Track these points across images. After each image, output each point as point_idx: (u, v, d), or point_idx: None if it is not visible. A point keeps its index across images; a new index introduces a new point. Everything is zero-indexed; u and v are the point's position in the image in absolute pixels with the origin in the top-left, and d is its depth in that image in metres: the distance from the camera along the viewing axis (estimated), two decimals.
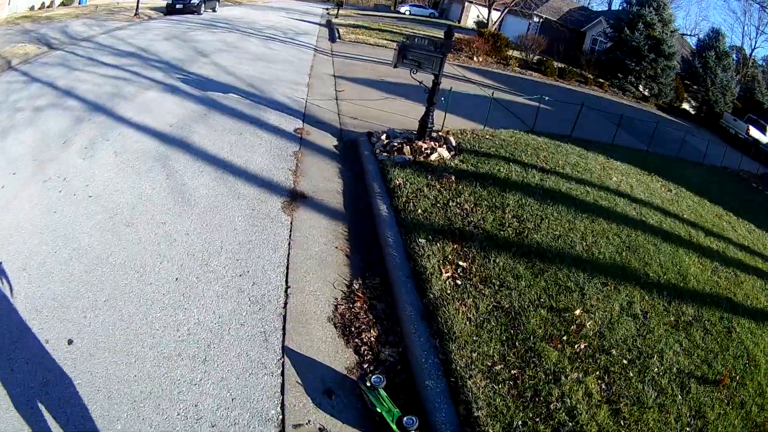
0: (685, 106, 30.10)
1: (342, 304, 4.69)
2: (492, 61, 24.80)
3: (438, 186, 6.85)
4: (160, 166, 6.68)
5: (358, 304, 4.69)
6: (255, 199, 6.32)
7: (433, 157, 7.85)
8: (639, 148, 14.29)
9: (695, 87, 29.17)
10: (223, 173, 6.80)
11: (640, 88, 26.96)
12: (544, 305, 4.81)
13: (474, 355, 4.07)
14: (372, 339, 4.32)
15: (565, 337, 4.45)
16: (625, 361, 4.35)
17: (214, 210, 5.89)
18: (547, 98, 13.23)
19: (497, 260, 5.34)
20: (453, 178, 7.07)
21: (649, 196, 8.88)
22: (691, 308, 5.45)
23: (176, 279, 4.71)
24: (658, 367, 4.39)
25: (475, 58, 24.11)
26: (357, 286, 4.96)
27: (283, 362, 4.03)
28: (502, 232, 5.93)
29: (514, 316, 4.59)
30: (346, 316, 4.55)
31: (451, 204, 6.38)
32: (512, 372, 4.00)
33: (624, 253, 6.16)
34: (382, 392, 3.62)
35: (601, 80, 26.33)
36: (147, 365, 3.85)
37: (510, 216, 6.34)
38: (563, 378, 4.00)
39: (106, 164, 6.52)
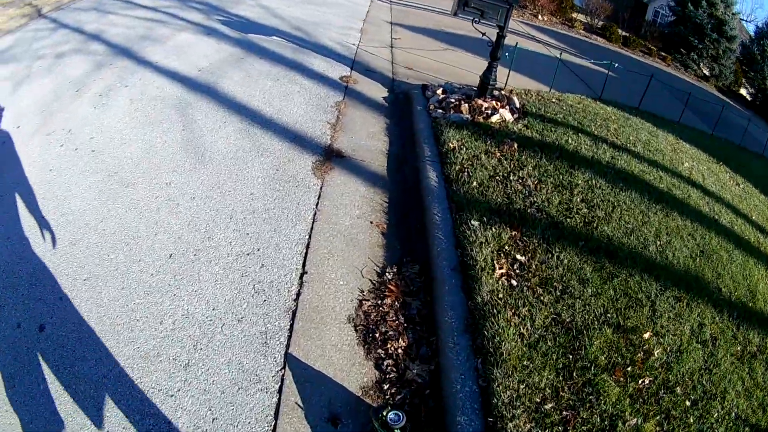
0: (743, 91, 28.41)
1: (368, 300, 3.71)
2: (556, 21, 22.87)
3: (498, 154, 5.69)
4: (178, 114, 5.77)
5: (389, 301, 3.70)
6: (282, 156, 5.33)
7: (494, 118, 6.65)
8: (704, 130, 12.76)
9: (752, 74, 27.16)
10: (250, 125, 5.81)
11: (702, 66, 25.38)
12: (610, 322, 3.74)
13: (522, 387, 3.08)
14: (399, 351, 3.34)
15: (629, 368, 3.42)
16: (688, 403, 3.35)
17: (231, 169, 4.95)
18: (616, 65, 11.73)
19: (561, 257, 4.23)
20: (515, 145, 5.88)
21: (719, 189, 7.54)
22: (756, 336, 4.31)
23: (170, 256, 3.84)
24: (718, 411, 3.38)
25: (539, 17, 22.18)
26: (390, 276, 3.96)
27: (283, 375, 3.13)
28: (568, 220, 4.78)
29: (575, 335, 3.55)
30: (371, 317, 3.57)
31: (512, 178, 5.24)
32: (564, 414, 3.02)
33: (698, 260, 4.97)
34: None
35: (663, 54, 24.63)
36: (120, 364, 3.09)
37: (578, 200, 5.17)
38: (620, 425, 3.04)
39: (118, 113, 5.65)
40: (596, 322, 3.69)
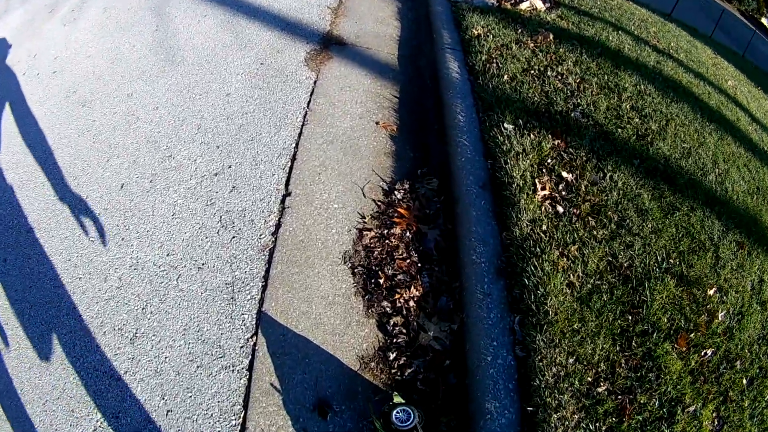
0: (764, 21, 26.86)
1: (371, 230, 2.66)
2: None
3: (531, 45, 4.33)
4: (153, 15, 4.46)
5: (398, 231, 2.65)
6: (268, 48, 4.04)
7: (524, 5, 5.19)
8: (735, 50, 11.11)
9: None
10: (234, 16, 4.48)
11: None
12: (673, 271, 2.66)
13: (570, 361, 2.13)
14: (411, 303, 2.34)
15: (692, 335, 2.43)
16: (744, 382, 2.43)
17: (205, 68, 3.74)
18: None
19: (615, 178, 3.08)
20: (551, 36, 4.50)
21: (762, 116, 6.12)
22: None
23: (121, 186, 2.83)
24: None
25: None
26: (400, 195, 2.87)
27: (255, 345, 2.18)
28: (620, 131, 3.55)
29: (634, 287, 2.50)
30: (375, 254, 2.54)
31: (549, 73, 3.93)
32: (619, 399, 2.09)
33: (755, 198, 3.76)
34: None
35: None
36: (62, 341, 2.27)
37: (628, 107, 3.87)
38: (679, 411, 2.13)
39: (87, 26, 4.38)
40: (657, 270, 2.63)
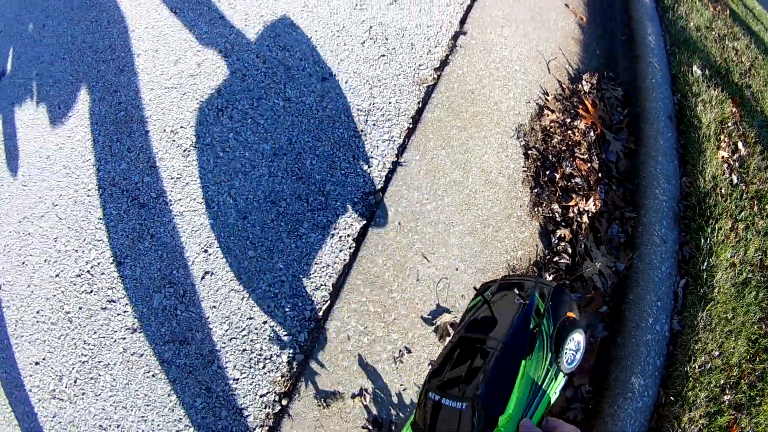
0: None
1: (553, 112, 1.74)
2: None
3: (711, 9, 3.17)
4: None
5: (582, 126, 1.74)
6: None
7: None
8: None
9: None
10: None
11: None
12: None
13: (716, 354, 1.48)
14: (584, 218, 1.50)
15: None
16: None
17: None
18: None
19: None
20: (727, 11, 3.32)
21: None
22: None
23: None
24: None
25: None
26: (587, 87, 1.90)
27: (377, 205, 1.30)
28: None
29: None
30: (554, 142, 1.64)
31: (727, 43, 2.85)
32: (732, 415, 1.45)
33: None
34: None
35: None
36: (97, 140, 1.26)
37: None
38: None
39: None
40: None
